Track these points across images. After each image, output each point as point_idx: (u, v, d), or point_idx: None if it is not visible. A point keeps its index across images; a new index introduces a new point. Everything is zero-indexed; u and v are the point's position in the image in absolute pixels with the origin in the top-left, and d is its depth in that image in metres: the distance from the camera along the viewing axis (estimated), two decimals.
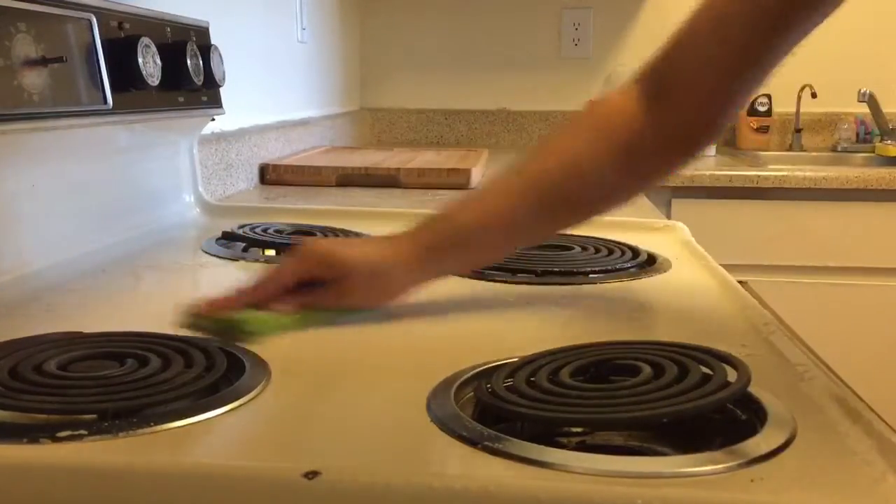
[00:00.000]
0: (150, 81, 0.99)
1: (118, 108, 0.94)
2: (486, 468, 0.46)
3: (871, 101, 2.29)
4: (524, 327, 0.73)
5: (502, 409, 0.51)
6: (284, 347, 0.65)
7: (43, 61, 0.81)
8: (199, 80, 1.12)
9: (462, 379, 0.57)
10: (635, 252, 0.95)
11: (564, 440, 0.51)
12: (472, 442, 0.48)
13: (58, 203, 0.91)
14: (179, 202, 1.20)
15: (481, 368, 0.59)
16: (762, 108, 2.42)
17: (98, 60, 0.91)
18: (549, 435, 0.51)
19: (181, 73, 1.08)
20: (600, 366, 0.57)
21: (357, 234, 1.07)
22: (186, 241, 1.11)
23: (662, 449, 0.51)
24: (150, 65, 0.99)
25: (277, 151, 1.71)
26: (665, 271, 0.91)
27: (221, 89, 1.22)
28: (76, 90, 0.88)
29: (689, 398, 0.50)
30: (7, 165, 0.83)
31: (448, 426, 0.50)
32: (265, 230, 1.07)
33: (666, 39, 0.72)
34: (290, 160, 1.69)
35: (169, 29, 1.08)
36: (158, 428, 0.49)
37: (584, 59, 2.53)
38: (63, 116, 0.86)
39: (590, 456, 0.46)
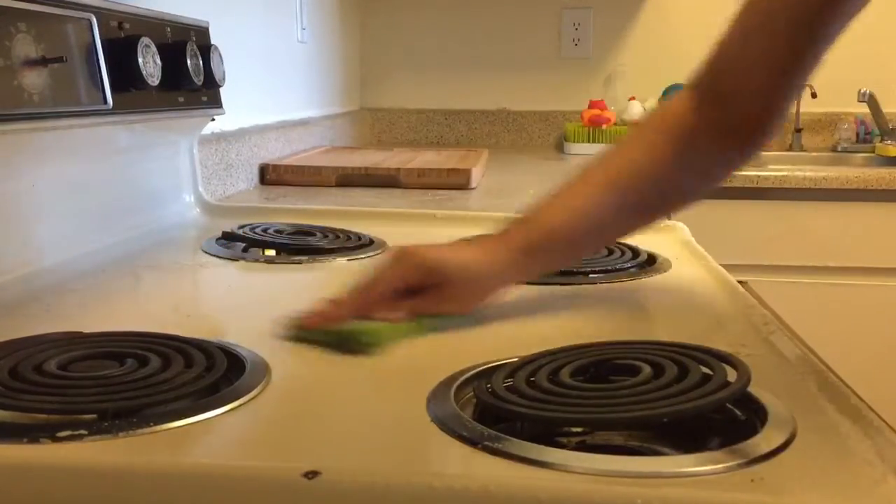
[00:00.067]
0: (150, 81, 0.99)
1: (118, 108, 0.94)
2: (486, 468, 0.46)
3: (871, 101, 2.29)
4: (524, 327, 0.73)
5: (502, 409, 0.51)
6: (284, 347, 0.65)
7: (43, 61, 0.81)
8: (199, 80, 1.12)
9: (462, 379, 0.57)
10: (635, 252, 0.95)
11: (564, 440, 0.51)
12: (472, 442, 0.48)
13: (58, 203, 0.91)
14: (179, 202, 1.20)
15: (481, 368, 0.59)
16: None
17: (98, 60, 0.91)
18: (549, 435, 0.51)
19: (181, 73, 1.08)
20: (600, 366, 0.57)
21: (359, 237, 1.07)
22: (186, 241, 1.11)
23: (662, 449, 0.51)
24: (150, 65, 0.99)
25: (277, 151, 1.71)
26: (665, 271, 0.91)
27: (221, 89, 1.22)
28: (76, 90, 0.88)
29: (688, 398, 0.50)
30: (7, 165, 0.83)
31: (448, 426, 0.50)
32: (265, 230, 1.07)
33: (716, 38, 0.74)
34: (290, 160, 1.69)
35: (169, 29, 1.08)
36: (158, 428, 0.49)
37: (584, 59, 2.53)
38: (63, 116, 0.86)
39: (590, 456, 0.46)
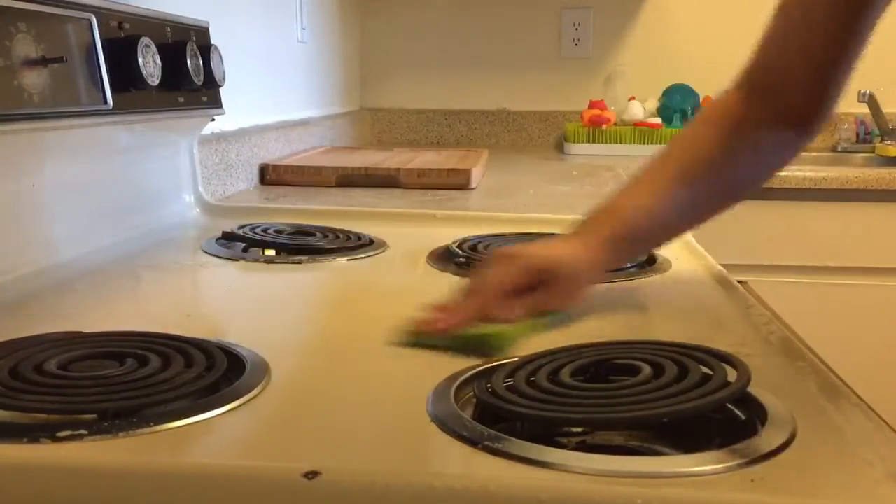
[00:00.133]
0: (150, 81, 0.99)
1: (118, 108, 0.94)
2: (486, 468, 0.46)
3: (871, 101, 2.29)
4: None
5: (502, 408, 0.51)
6: (285, 347, 0.65)
7: (43, 61, 0.81)
8: (199, 80, 1.12)
9: (462, 379, 0.57)
10: None
11: (564, 440, 0.51)
12: (472, 442, 0.48)
13: (58, 203, 0.91)
14: (179, 202, 1.20)
15: (481, 368, 0.59)
16: None
17: (98, 60, 0.91)
18: (549, 435, 0.51)
19: (181, 73, 1.08)
20: (600, 366, 0.57)
21: (359, 237, 1.07)
22: (186, 241, 1.11)
23: (662, 449, 0.51)
24: (150, 65, 0.99)
25: (277, 151, 1.71)
26: (665, 271, 0.91)
27: (221, 89, 1.22)
28: (76, 90, 0.88)
29: (688, 398, 0.50)
30: (7, 165, 0.83)
31: (448, 426, 0.50)
32: (265, 230, 1.07)
33: (762, 32, 0.76)
34: (290, 160, 1.69)
35: (169, 29, 1.08)
36: (158, 428, 0.49)
37: (584, 59, 2.53)
38: (63, 116, 0.86)
39: (590, 456, 0.46)
